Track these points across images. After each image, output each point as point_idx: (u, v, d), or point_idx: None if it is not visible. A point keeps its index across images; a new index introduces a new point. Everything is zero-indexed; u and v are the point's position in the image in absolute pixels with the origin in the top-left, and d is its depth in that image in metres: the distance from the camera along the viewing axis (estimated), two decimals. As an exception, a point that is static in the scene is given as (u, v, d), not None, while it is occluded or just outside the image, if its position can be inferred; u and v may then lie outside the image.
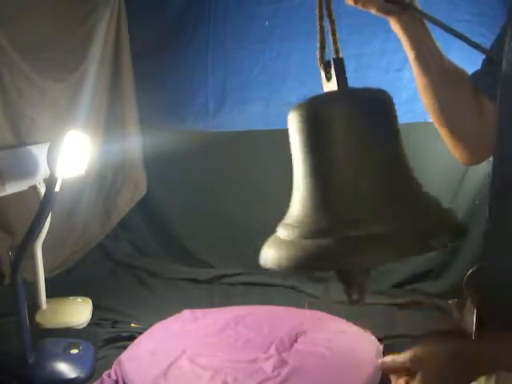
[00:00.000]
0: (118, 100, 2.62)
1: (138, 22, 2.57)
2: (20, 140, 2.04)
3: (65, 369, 1.62)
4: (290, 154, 0.70)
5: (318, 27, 0.67)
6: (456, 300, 1.79)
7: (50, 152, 1.63)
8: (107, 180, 2.67)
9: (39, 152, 1.81)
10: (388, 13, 0.80)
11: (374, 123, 0.65)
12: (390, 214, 0.60)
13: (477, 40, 0.73)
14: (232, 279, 2.37)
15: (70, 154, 1.67)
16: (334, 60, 0.67)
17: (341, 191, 0.62)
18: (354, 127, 0.64)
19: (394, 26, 0.83)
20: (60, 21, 2.21)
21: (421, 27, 0.82)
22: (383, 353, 1.67)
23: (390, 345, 1.80)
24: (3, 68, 1.98)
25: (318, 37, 0.67)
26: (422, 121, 1.98)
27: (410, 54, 0.86)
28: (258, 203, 2.45)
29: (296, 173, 0.68)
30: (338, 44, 0.69)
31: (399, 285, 2.29)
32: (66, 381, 1.60)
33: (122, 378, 1.57)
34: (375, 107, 0.65)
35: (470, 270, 0.95)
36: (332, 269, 0.60)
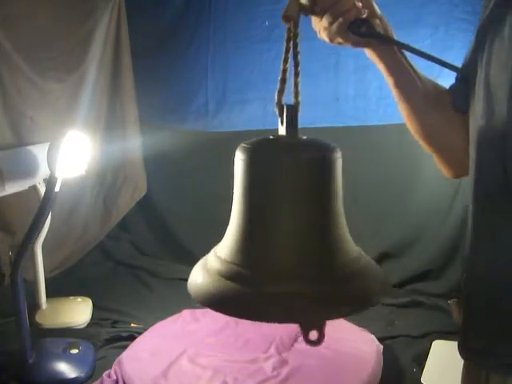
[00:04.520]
0: (117, 100, 2.61)
1: (138, 21, 2.57)
2: (20, 140, 2.04)
3: (65, 369, 1.62)
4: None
5: (282, 69, 0.66)
6: (456, 300, 1.79)
7: (49, 152, 1.63)
8: (107, 180, 2.67)
9: (39, 152, 1.81)
10: (365, 45, 0.80)
11: (312, 179, 0.62)
12: (310, 273, 0.59)
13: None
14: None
15: (70, 154, 1.68)
16: (286, 106, 0.66)
17: (267, 242, 0.62)
18: (288, 180, 0.62)
19: (371, 55, 0.84)
20: (60, 21, 2.21)
21: (397, 54, 0.83)
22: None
23: (390, 345, 1.80)
24: (3, 68, 1.97)
25: (279, 78, 0.66)
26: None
27: (389, 81, 0.86)
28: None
29: (233, 207, 0.67)
30: (299, 88, 0.68)
31: (399, 285, 2.29)
32: (65, 381, 1.60)
33: (122, 377, 1.57)
34: (314, 163, 0.62)
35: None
36: (243, 318, 0.59)
